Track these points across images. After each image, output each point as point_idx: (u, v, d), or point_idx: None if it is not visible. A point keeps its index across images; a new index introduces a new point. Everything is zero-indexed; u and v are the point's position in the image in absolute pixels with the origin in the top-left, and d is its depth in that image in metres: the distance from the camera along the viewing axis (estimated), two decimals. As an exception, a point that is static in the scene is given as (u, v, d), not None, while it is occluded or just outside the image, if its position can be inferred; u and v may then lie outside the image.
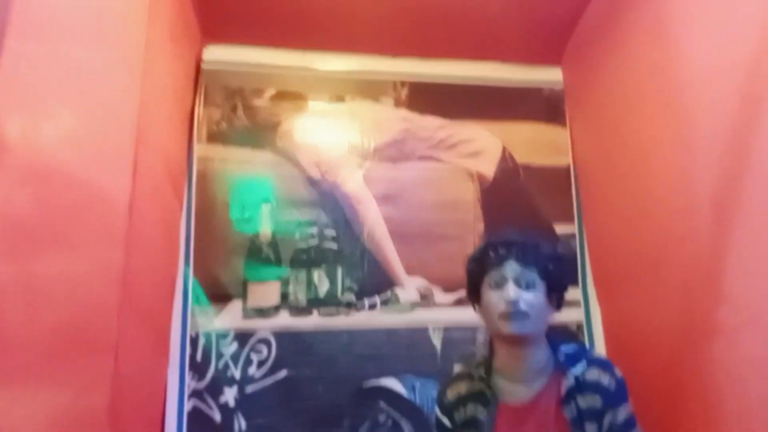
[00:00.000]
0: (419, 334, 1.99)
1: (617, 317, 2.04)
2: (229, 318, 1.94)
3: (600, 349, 2.11)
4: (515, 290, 1.21)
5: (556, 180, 2.23)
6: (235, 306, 1.95)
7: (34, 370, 1.25)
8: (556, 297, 1.29)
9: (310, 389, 1.91)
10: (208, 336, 1.91)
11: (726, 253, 1.42)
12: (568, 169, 2.25)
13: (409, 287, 2.04)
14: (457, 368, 1.33)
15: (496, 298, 1.23)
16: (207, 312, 1.93)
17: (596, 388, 1.22)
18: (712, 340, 1.45)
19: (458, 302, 2.07)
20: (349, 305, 2.00)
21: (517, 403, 1.23)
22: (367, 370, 1.95)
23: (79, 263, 1.26)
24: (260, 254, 1.99)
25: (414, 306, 2.03)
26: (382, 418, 1.94)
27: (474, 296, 1.31)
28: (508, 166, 2.22)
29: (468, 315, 2.05)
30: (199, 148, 2.05)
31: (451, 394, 1.30)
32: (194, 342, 1.90)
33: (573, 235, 2.22)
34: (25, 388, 1.17)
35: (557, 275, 1.28)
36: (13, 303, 1.26)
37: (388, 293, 2.03)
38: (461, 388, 1.29)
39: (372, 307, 2.01)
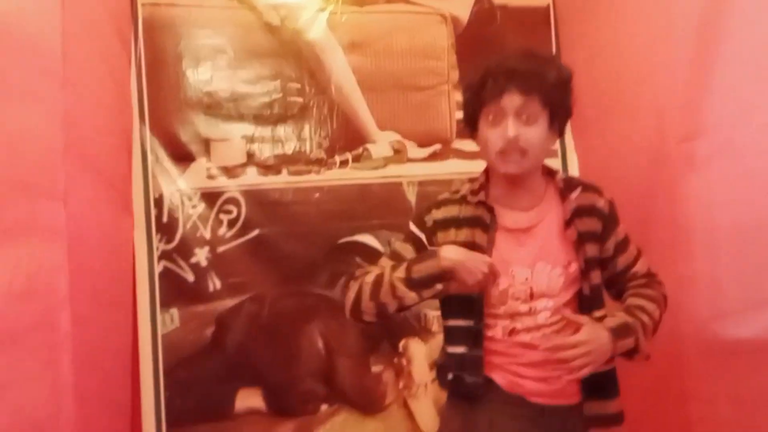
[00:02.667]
0: (393, 190, 1.95)
1: (594, 162, 2.01)
2: (193, 178, 1.86)
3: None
4: (514, 127, 1.10)
5: (534, 21, 2.09)
6: (199, 165, 1.86)
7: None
8: (559, 124, 1.18)
9: (284, 247, 1.89)
10: (172, 197, 1.84)
11: (703, 83, 1.38)
12: (547, 9, 2.10)
13: (381, 142, 1.96)
14: (444, 194, 1.26)
15: (494, 136, 1.13)
16: (169, 172, 1.84)
17: (592, 211, 1.19)
18: (685, 170, 1.45)
19: (433, 156, 2.01)
20: (320, 162, 1.92)
21: (516, 226, 1.18)
22: (341, 227, 1.93)
23: (18, 110, 1.14)
24: (220, 110, 1.88)
25: (387, 161, 1.96)
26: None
27: (471, 125, 1.19)
28: (483, 7, 2.06)
29: (444, 168, 2.05)
30: (144, -7, 1.85)
31: (438, 213, 1.21)
32: (159, 203, 1.83)
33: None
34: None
35: (562, 102, 1.15)
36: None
37: (360, 149, 1.95)
38: (453, 210, 1.21)
39: (343, 163, 1.94)
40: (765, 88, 1.24)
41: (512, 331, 1.16)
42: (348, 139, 1.95)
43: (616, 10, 1.78)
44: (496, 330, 1.17)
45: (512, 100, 1.11)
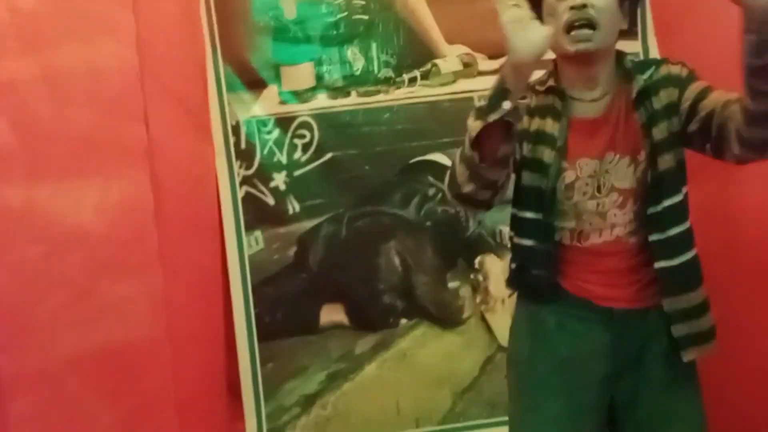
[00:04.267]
0: (464, 105, 1.90)
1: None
2: (266, 104, 1.90)
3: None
4: None
5: None
6: (271, 91, 1.90)
7: (71, 161, 1.27)
8: (629, 4, 1.13)
9: (357, 168, 1.91)
10: (249, 123, 1.89)
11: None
12: None
13: (450, 56, 1.91)
14: None
15: (561, 8, 1.06)
16: (244, 99, 1.88)
17: (668, 80, 1.11)
18: None
19: (504, 68, 1.94)
20: (388, 81, 1.91)
21: (587, 116, 1.14)
22: (412, 146, 1.92)
23: (95, 37, 1.20)
24: (288, 34, 1.88)
25: (457, 76, 1.91)
26: (431, 191, 1.95)
27: (537, 7, 1.09)
28: None
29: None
30: None
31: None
32: (236, 130, 1.88)
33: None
34: (65, 180, 1.20)
35: None
36: (39, 98, 1.24)
37: (428, 65, 1.91)
38: (528, 99, 1.15)
39: (412, 81, 1.91)
40: None
41: (580, 234, 1.14)
42: (416, 55, 1.91)
43: None
44: (565, 233, 1.15)
45: None
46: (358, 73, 1.91)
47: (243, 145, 1.89)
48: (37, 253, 1.48)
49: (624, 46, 1.91)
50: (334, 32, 1.90)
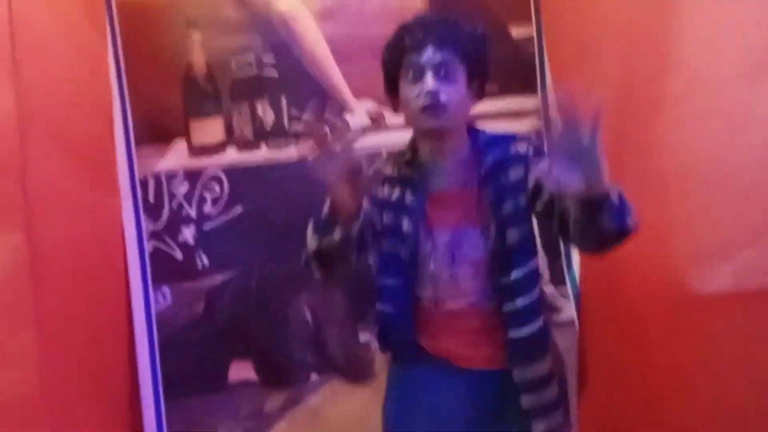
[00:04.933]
0: (373, 159, 1.94)
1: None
2: (175, 158, 1.89)
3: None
4: (433, 81, 1.12)
5: (512, -24, 2.02)
6: (180, 145, 1.89)
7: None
8: (477, 84, 1.20)
9: (268, 222, 1.91)
10: (157, 177, 1.88)
11: (672, 17, 1.30)
12: (527, -40, 2.03)
13: (358, 111, 1.95)
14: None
15: (414, 93, 1.14)
16: (152, 153, 1.88)
17: (515, 159, 1.18)
18: (653, 111, 1.38)
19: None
20: (298, 135, 1.93)
21: (442, 189, 1.20)
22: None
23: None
24: (197, 87, 1.89)
25: (365, 130, 1.95)
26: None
27: (392, 92, 1.21)
28: (459, -35, 1.99)
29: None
30: (114, -27, 1.86)
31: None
32: (144, 184, 1.87)
33: (530, 39, 2.06)
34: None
35: (479, 58, 1.18)
36: None
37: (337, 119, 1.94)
38: (388, 170, 1.24)
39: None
40: (731, 22, 1.17)
41: (437, 300, 1.17)
42: (325, 109, 1.94)
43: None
44: (425, 299, 1.18)
45: (429, 55, 1.11)
46: (268, 127, 1.93)
47: (151, 199, 1.87)
48: None
49: (522, 102, 2.03)
50: (245, 87, 1.92)
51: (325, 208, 1.08)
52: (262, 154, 1.91)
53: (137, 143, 1.86)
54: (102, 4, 1.83)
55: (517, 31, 2.08)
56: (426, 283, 1.19)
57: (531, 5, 2.06)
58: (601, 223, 0.95)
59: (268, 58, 1.92)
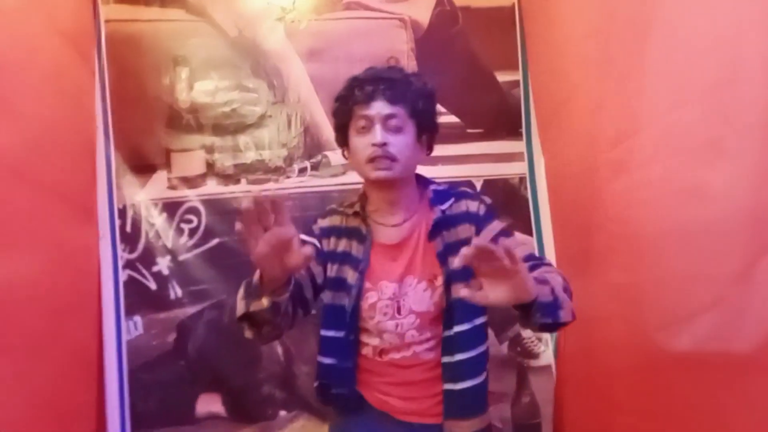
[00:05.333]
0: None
1: (560, 169, 1.96)
2: (155, 189, 1.92)
3: (543, 201, 2.05)
4: (382, 134, 1.13)
5: (499, 22, 2.05)
6: (161, 176, 1.92)
7: None
8: (426, 138, 1.21)
9: (244, 256, 1.90)
10: (135, 207, 1.90)
11: (635, 81, 1.31)
12: (512, 9, 2.06)
13: (339, 149, 1.96)
14: (333, 205, 1.29)
15: (363, 144, 1.15)
16: (132, 183, 1.90)
17: (465, 217, 1.17)
18: (613, 175, 1.40)
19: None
20: (278, 170, 1.95)
21: (389, 241, 1.19)
22: (300, 234, 1.94)
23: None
24: (181, 121, 1.92)
25: (346, 168, 1.96)
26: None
27: (342, 140, 1.22)
28: (445, 9, 2.03)
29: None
30: (106, 10, 1.91)
31: (324, 222, 1.24)
32: (123, 214, 1.89)
33: (517, 83, 2.08)
34: None
35: (427, 114, 1.19)
36: None
37: (319, 156, 1.96)
38: (336, 220, 1.23)
39: (302, 171, 1.96)
40: (691, 85, 1.17)
41: (382, 351, 1.17)
42: (306, 147, 1.97)
43: (580, 9, 1.71)
44: (368, 349, 1.18)
45: (379, 108, 1.13)
46: (249, 161, 1.95)
47: (129, 229, 1.89)
48: None
49: (509, 146, 2.04)
50: (227, 122, 1.95)
51: (256, 276, 1.01)
52: (242, 187, 1.93)
53: (118, 174, 1.88)
54: (92, 42, 1.86)
55: (503, 77, 2.10)
56: (371, 334, 1.19)
57: (518, 52, 2.08)
58: (535, 319, 0.95)
59: (252, 96, 1.95)
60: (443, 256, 1.15)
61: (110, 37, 1.90)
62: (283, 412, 1.89)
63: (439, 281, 1.16)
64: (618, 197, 1.42)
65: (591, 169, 1.55)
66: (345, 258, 1.18)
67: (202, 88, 1.93)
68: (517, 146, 2.08)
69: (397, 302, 1.16)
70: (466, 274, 1.13)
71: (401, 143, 1.14)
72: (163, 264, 1.89)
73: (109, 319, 1.86)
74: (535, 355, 2.04)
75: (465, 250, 0.85)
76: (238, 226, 0.90)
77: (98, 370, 1.84)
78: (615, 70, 1.41)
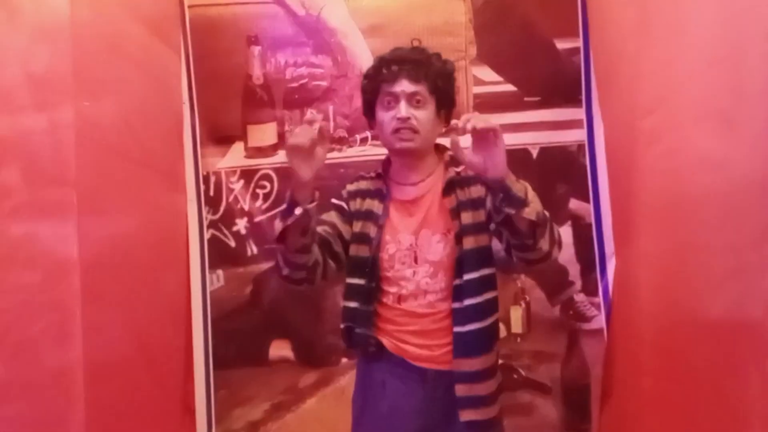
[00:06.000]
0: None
1: (621, 135, 1.96)
2: (233, 158, 2.13)
3: (602, 169, 2.07)
4: (406, 108, 1.27)
5: (558, -9, 2.05)
6: (238, 146, 2.13)
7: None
8: (444, 113, 1.36)
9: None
10: (218, 174, 2.13)
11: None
12: (572, -22, 2.05)
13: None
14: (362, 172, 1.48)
15: (388, 117, 1.30)
16: (214, 153, 2.14)
17: (478, 179, 1.31)
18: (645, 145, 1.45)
19: (450, 130, 2.09)
20: (342, 140, 2.10)
21: (407, 197, 1.35)
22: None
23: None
24: (255, 96, 2.11)
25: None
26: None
27: (369, 114, 1.37)
28: (502, -21, 2.06)
29: (463, 142, 2.11)
30: (190, -4, 2.12)
31: (351, 187, 1.43)
32: (206, 180, 2.13)
33: (577, 50, 2.08)
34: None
35: (447, 91, 1.34)
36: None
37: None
38: (362, 185, 1.42)
39: (363, 141, 2.10)
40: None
41: (400, 298, 1.30)
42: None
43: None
44: (388, 297, 1.32)
45: (404, 86, 1.25)
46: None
47: (212, 193, 2.13)
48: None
49: (567, 114, 2.07)
50: (296, 96, 2.12)
51: (287, 198, 1.24)
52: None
53: (202, 145, 2.12)
54: (177, 26, 2.09)
55: (563, 44, 2.11)
56: (390, 282, 1.33)
57: (578, 17, 2.08)
58: (500, 202, 1.15)
59: (318, 70, 2.10)
60: (456, 212, 1.28)
61: (193, 21, 2.11)
62: (344, 360, 2.08)
63: (452, 234, 1.28)
64: (650, 166, 1.44)
65: (630, 137, 1.57)
66: (368, 215, 1.33)
67: (273, 65, 2.10)
68: (575, 113, 2.10)
69: (414, 252, 1.30)
70: (475, 230, 1.26)
71: (423, 117, 1.27)
72: (241, 224, 2.12)
73: (195, 272, 2.12)
74: (587, 319, 2.09)
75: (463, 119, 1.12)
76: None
77: (186, 317, 2.12)
78: (650, 38, 1.42)
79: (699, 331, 1.37)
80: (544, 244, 1.19)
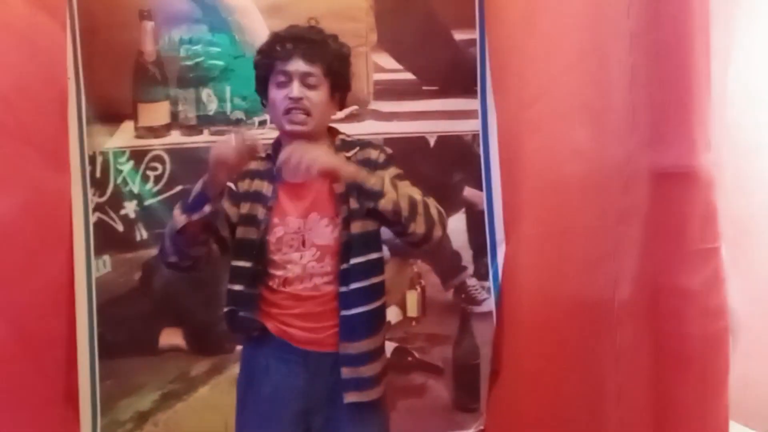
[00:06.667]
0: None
1: (511, 125, 2.04)
2: (123, 137, 2.04)
3: (494, 158, 2.14)
4: (299, 88, 1.25)
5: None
6: (128, 126, 2.04)
7: None
8: (339, 96, 1.34)
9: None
10: (105, 154, 2.03)
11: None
12: (471, -35, 2.11)
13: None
14: None
15: (280, 97, 1.27)
16: (101, 132, 2.03)
17: (366, 163, 1.31)
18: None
19: (350, 117, 2.10)
20: (238, 122, 2.05)
21: (296, 180, 1.32)
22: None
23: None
24: (147, 73, 2.02)
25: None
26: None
27: (262, 91, 1.34)
28: (404, -35, 2.09)
29: (361, 129, 2.13)
30: (76, -34, 1.99)
31: None
32: (93, 160, 2.02)
33: (473, 42, 2.14)
34: None
35: (342, 73, 1.32)
36: None
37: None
38: (251, 164, 1.37)
39: (262, 123, 2.06)
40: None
41: (286, 281, 1.30)
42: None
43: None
44: (273, 280, 1.31)
45: (297, 65, 1.24)
46: (211, 113, 2.06)
47: (98, 175, 2.03)
48: None
49: (463, 104, 2.12)
50: (191, 75, 2.05)
51: (197, 187, 1.21)
52: (204, 138, 2.05)
53: (89, 123, 2.01)
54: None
55: (460, 35, 2.16)
56: (277, 265, 1.32)
57: (476, 9, 2.14)
58: (363, 202, 1.20)
59: (215, 49, 2.04)
60: (345, 196, 1.28)
61: (80, -9, 1.99)
62: (239, 347, 2.03)
63: (339, 219, 1.28)
64: (533, 155, 1.51)
65: (517, 127, 1.64)
66: (256, 196, 1.31)
67: (168, 42, 2.02)
68: (471, 104, 2.16)
69: (302, 236, 1.30)
70: (363, 214, 1.27)
71: (315, 99, 1.26)
72: (129, 208, 2.03)
73: (80, 257, 2.00)
74: (478, 302, 2.17)
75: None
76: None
77: (69, 304, 2.01)
78: (535, 31, 1.48)
79: (574, 311, 1.45)
80: (417, 228, 1.21)
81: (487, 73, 2.14)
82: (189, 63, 2.04)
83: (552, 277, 1.54)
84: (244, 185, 1.35)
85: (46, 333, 1.95)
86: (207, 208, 1.19)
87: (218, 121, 2.05)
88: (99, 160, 2.03)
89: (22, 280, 1.81)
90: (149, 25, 2.02)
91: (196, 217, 1.19)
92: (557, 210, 1.42)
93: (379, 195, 1.17)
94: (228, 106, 2.06)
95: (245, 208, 1.33)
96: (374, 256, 1.31)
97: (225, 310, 1.35)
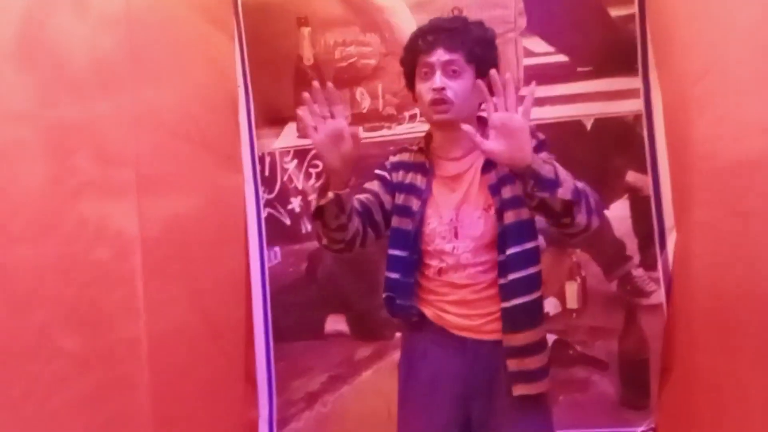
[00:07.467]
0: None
1: (676, 104, 1.89)
2: (287, 138, 2.20)
3: (660, 140, 2.00)
4: (441, 79, 1.26)
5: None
6: (291, 127, 2.19)
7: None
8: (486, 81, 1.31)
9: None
10: (272, 155, 2.21)
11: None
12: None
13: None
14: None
15: (425, 89, 1.29)
16: (268, 134, 2.21)
17: None
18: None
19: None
20: (391, 118, 2.12)
21: (449, 173, 1.33)
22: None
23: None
24: (306, 77, 2.16)
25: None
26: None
27: (411, 87, 1.36)
28: (555, -50, 2.01)
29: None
30: (241, -17, 2.18)
31: (394, 158, 1.42)
32: (262, 161, 2.21)
33: (631, 17, 2.01)
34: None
35: (486, 58, 1.29)
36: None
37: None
38: (405, 157, 1.40)
39: (412, 117, 2.11)
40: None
41: (441, 270, 1.31)
42: (416, 94, 2.10)
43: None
44: (429, 269, 1.33)
45: (439, 55, 1.24)
46: (365, 110, 2.15)
47: (267, 173, 2.21)
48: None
49: (622, 83, 2.01)
50: (345, 75, 2.15)
51: (323, 179, 1.27)
52: (360, 134, 2.13)
53: (257, 127, 2.19)
54: (230, 11, 2.16)
55: (617, 11, 2.04)
56: (432, 255, 1.34)
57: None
58: (531, 188, 1.13)
59: (367, 49, 2.13)
60: (496, 188, 1.27)
61: (245, 6, 2.18)
62: (398, 334, 2.11)
63: (492, 210, 1.28)
64: (703, 134, 1.39)
65: (683, 105, 1.51)
66: (410, 188, 1.34)
67: (323, 45, 2.14)
68: (631, 83, 2.03)
69: (455, 228, 1.30)
70: (516, 204, 1.25)
71: (458, 87, 1.26)
72: (295, 203, 2.19)
73: (254, 249, 2.21)
74: (646, 294, 2.03)
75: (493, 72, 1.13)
76: (299, 111, 1.20)
77: (246, 292, 2.22)
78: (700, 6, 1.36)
79: (756, 304, 1.32)
80: (582, 219, 1.16)
81: (649, 48, 2.00)
82: (343, 64, 2.14)
83: (731, 267, 1.40)
84: (398, 176, 1.38)
85: (228, 318, 2.17)
86: (330, 195, 1.22)
87: (372, 118, 2.13)
88: (267, 160, 2.20)
89: (206, 270, 2.03)
90: (306, 30, 2.15)
91: (321, 202, 1.23)
92: (736, 192, 1.29)
93: (555, 184, 1.13)
94: (380, 103, 2.13)
95: (400, 198, 1.37)
96: (530, 245, 1.28)
97: (384, 295, 1.40)
